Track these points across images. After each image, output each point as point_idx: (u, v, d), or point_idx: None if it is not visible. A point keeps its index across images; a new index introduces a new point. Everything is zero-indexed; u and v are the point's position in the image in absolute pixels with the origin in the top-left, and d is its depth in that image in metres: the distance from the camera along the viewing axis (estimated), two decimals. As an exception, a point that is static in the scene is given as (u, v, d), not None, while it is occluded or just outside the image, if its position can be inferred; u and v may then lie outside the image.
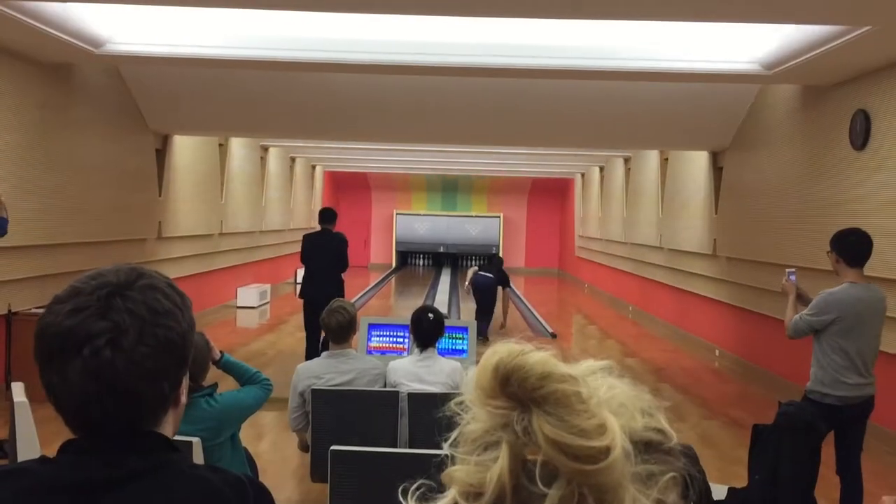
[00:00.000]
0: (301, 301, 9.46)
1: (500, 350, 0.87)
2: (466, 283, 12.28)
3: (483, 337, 11.88)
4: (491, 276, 12.11)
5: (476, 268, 12.51)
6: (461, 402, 0.89)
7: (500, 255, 18.45)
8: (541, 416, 0.83)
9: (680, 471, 0.87)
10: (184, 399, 1.34)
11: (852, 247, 4.88)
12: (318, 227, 9.85)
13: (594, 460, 0.81)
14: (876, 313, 4.90)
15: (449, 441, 0.88)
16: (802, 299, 5.14)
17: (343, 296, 9.34)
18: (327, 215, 9.82)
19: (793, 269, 5.36)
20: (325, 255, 9.32)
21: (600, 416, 0.83)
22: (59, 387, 1.22)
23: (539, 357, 0.86)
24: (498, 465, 0.83)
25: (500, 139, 13.00)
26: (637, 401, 0.89)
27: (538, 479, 0.83)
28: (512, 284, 12.76)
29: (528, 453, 0.84)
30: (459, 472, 0.86)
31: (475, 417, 0.87)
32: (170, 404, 1.30)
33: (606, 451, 0.82)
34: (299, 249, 9.81)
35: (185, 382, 1.33)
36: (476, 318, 11.50)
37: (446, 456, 0.88)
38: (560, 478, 0.83)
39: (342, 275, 9.45)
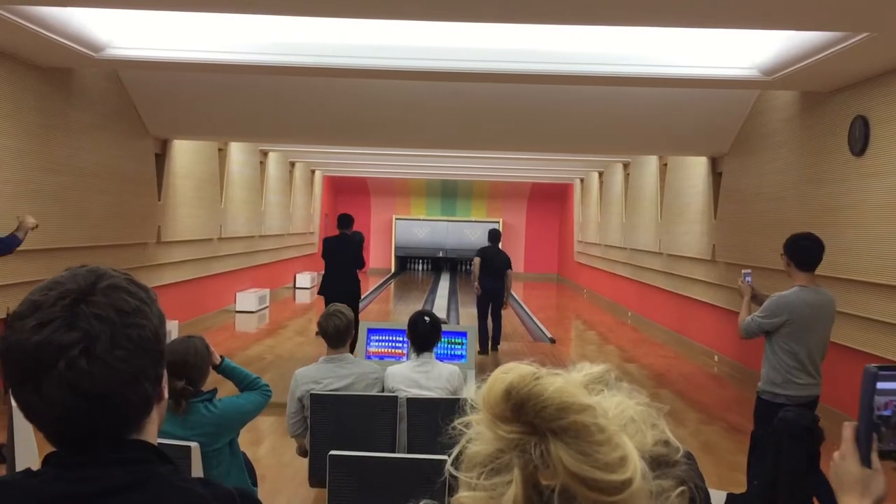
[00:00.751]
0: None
1: (511, 372, 0.85)
2: (476, 282, 11.98)
3: (494, 348, 11.74)
4: (496, 277, 11.88)
5: (479, 260, 12.12)
6: (467, 424, 0.87)
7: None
8: (560, 446, 0.81)
9: (686, 483, 0.87)
10: (165, 393, 1.32)
11: (803, 251, 4.96)
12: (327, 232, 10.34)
13: (616, 492, 0.81)
14: (825, 316, 4.98)
15: (450, 460, 0.86)
16: (758, 300, 5.24)
17: (360, 293, 10.05)
18: (344, 220, 10.81)
19: (748, 271, 5.52)
20: (342, 256, 10.35)
21: (620, 446, 0.82)
22: (38, 405, 1.18)
23: (556, 386, 0.84)
24: (511, 493, 0.81)
25: (499, 144, 13.00)
26: (644, 414, 0.88)
27: None
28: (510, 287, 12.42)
29: (541, 478, 0.82)
30: (468, 500, 0.84)
31: (480, 437, 0.85)
32: (154, 402, 1.28)
33: (629, 482, 0.81)
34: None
35: (165, 376, 1.31)
36: (478, 326, 11.33)
37: (452, 476, 0.86)
38: None
39: (358, 273, 10.45)
